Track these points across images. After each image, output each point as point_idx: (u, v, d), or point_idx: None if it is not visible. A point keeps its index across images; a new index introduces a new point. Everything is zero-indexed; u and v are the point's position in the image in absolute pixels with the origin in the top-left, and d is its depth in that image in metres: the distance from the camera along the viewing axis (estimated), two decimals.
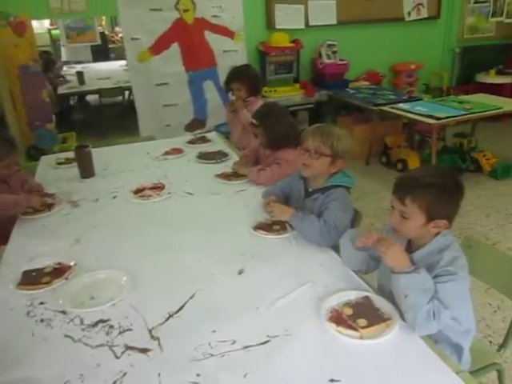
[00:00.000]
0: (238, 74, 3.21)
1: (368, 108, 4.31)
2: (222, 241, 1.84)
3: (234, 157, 2.78)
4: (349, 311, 1.37)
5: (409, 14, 5.26)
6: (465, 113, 3.76)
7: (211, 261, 1.69)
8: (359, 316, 1.34)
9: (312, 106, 4.63)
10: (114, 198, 2.28)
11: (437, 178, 1.35)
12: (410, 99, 4.34)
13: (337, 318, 1.34)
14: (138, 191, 2.30)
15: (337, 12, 4.94)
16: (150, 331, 1.33)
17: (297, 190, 2.00)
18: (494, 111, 3.85)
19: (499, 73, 5.59)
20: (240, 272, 1.61)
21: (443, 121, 3.63)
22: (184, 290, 1.52)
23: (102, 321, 1.38)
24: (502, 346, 1.65)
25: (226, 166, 2.61)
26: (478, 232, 3.22)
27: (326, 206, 1.79)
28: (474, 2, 5.69)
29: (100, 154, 2.78)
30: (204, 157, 2.78)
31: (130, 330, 1.34)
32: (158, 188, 2.34)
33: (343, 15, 4.96)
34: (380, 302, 1.40)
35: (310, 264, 1.65)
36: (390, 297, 1.43)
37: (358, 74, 5.24)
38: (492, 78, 5.54)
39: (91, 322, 1.38)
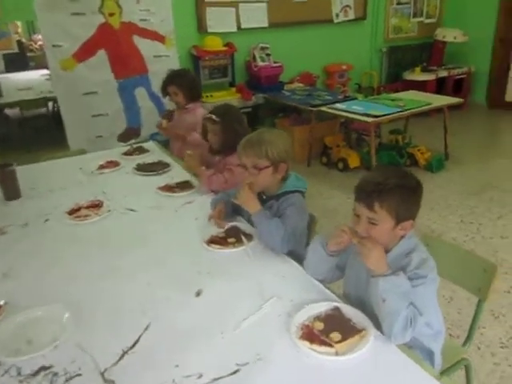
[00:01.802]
0: (175, 78, 3.05)
1: (305, 109, 4.31)
2: (174, 260, 1.69)
3: (176, 167, 2.63)
4: (320, 325, 1.28)
5: (337, 15, 5.36)
6: (399, 110, 3.86)
7: (164, 284, 1.54)
8: (332, 329, 1.26)
9: (249, 109, 4.55)
10: (46, 221, 2.04)
11: (399, 180, 1.30)
12: (346, 99, 4.40)
13: (309, 335, 1.25)
14: (73, 211, 2.08)
15: (268, 14, 4.91)
16: (102, 374, 1.16)
17: None
18: (424, 107, 3.99)
19: (424, 70, 5.85)
20: (198, 293, 1.47)
21: (379, 118, 3.70)
22: (137, 320, 1.36)
23: (43, 368, 1.18)
24: (467, 341, 1.65)
25: (168, 177, 2.45)
26: (425, 225, 3.29)
27: (283, 211, 1.70)
28: (397, 4, 5.91)
29: (26, 172, 2.52)
30: (143, 168, 2.60)
31: (78, 375, 1.16)
32: (96, 206, 2.14)
33: (274, 17, 4.95)
34: (351, 312, 1.33)
35: (271, 277, 1.55)
36: (359, 305, 1.36)
37: (292, 75, 5.25)
38: (417, 76, 5.79)
39: (31, 371, 1.18)
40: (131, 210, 2.11)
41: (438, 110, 4.42)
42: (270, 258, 1.65)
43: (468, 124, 5.60)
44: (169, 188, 2.29)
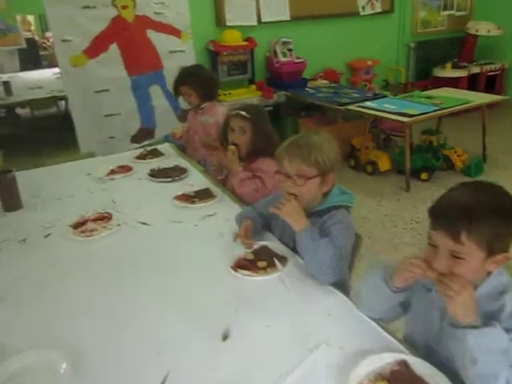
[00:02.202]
0: (187, 77, 2.76)
1: (332, 108, 4.00)
2: (194, 289, 1.41)
3: (194, 173, 2.35)
4: None
5: (363, 8, 5.03)
6: (436, 108, 3.54)
7: (182, 321, 1.26)
8: None
9: (271, 108, 4.25)
10: (48, 236, 1.78)
11: (494, 202, 0.99)
12: (375, 97, 4.08)
13: None
14: (78, 225, 1.82)
15: (290, 7, 4.61)
16: None
17: None
18: (463, 105, 3.66)
19: (455, 66, 5.49)
20: (225, 336, 1.19)
21: (416, 118, 3.37)
22: (151, 369, 1.09)
23: None
24: None
25: (185, 185, 2.18)
26: None
27: (329, 230, 1.41)
28: None
29: (30, 177, 2.29)
30: (157, 174, 2.33)
31: None
32: (104, 219, 1.87)
33: (296, 10, 4.64)
34: (422, 368, 1.03)
35: (314, 314, 1.26)
36: (427, 356, 1.07)
37: (315, 72, 4.94)
38: (448, 72, 5.43)
39: None
40: (144, 224, 1.84)
41: (471, 110, 4.07)
42: (310, 289, 1.36)
43: (503, 124, 5.22)
44: (187, 198, 2.01)
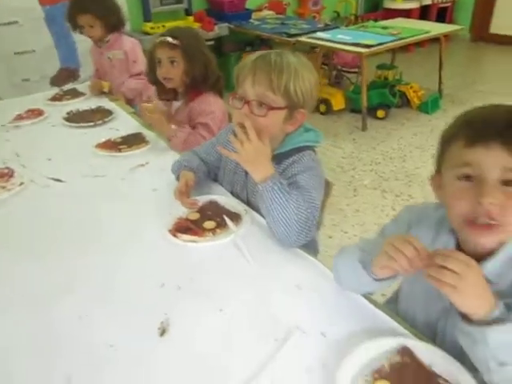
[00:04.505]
0: (88, 3, 2.18)
1: (280, 41, 3.58)
2: (120, 264, 1.05)
3: (122, 115, 1.93)
4: None
5: None
6: (394, 38, 3.22)
7: (106, 312, 0.92)
8: None
9: (212, 42, 3.78)
10: None
11: None
12: (327, 28, 3.70)
13: None
14: None
15: None
16: None
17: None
18: (423, 36, 3.37)
19: None
20: (162, 330, 0.86)
21: (373, 49, 3.05)
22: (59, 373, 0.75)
23: None
24: None
25: (111, 130, 1.77)
26: (425, 176, 2.77)
27: (294, 180, 1.08)
28: None
29: None
30: (76, 118, 1.90)
31: None
32: (5, 176, 1.46)
33: None
34: (432, 356, 0.77)
35: (280, 289, 0.96)
36: (431, 338, 0.81)
37: (260, 2, 4.46)
38: (400, 3, 5.11)
39: None
40: (56, 181, 1.44)
41: (420, 44, 3.78)
42: (273, 254, 1.06)
43: (453, 59, 5.01)
44: (112, 145, 1.62)
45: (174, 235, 1.10)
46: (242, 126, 1.02)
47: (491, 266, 0.75)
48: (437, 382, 0.73)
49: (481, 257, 0.75)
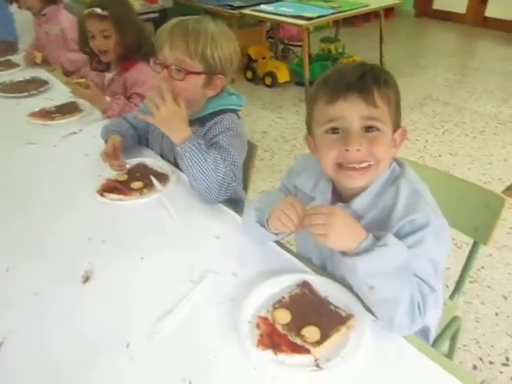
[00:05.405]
0: None
1: (225, 13, 3.59)
2: (51, 221, 1.10)
3: (58, 86, 1.93)
4: (285, 317, 0.81)
5: None
6: (334, 11, 3.30)
7: (32, 262, 0.97)
8: (304, 322, 0.80)
9: (156, 15, 3.74)
10: None
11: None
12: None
13: (271, 339, 0.78)
14: None
15: None
16: None
17: None
18: (362, 9, 3.47)
19: None
20: (86, 278, 0.93)
21: (313, 21, 3.12)
22: None
23: None
24: (455, 292, 1.28)
25: (45, 100, 1.77)
26: None
27: (215, 140, 1.15)
28: None
29: None
30: (9, 89, 1.88)
31: None
32: None
33: None
34: (327, 288, 0.87)
35: (200, 239, 1.04)
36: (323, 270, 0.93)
37: None
38: None
39: None
40: None
41: (366, 19, 3.89)
42: (196, 210, 1.13)
43: (397, 33, 5.19)
44: (45, 114, 1.63)
45: (102, 195, 1.16)
46: (170, 93, 1.08)
47: (360, 201, 0.86)
48: (328, 308, 0.83)
49: (354, 196, 0.86)
